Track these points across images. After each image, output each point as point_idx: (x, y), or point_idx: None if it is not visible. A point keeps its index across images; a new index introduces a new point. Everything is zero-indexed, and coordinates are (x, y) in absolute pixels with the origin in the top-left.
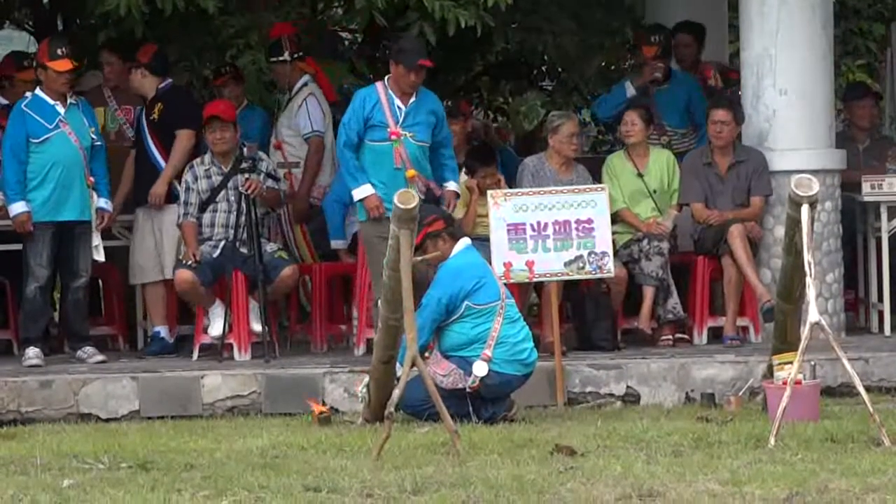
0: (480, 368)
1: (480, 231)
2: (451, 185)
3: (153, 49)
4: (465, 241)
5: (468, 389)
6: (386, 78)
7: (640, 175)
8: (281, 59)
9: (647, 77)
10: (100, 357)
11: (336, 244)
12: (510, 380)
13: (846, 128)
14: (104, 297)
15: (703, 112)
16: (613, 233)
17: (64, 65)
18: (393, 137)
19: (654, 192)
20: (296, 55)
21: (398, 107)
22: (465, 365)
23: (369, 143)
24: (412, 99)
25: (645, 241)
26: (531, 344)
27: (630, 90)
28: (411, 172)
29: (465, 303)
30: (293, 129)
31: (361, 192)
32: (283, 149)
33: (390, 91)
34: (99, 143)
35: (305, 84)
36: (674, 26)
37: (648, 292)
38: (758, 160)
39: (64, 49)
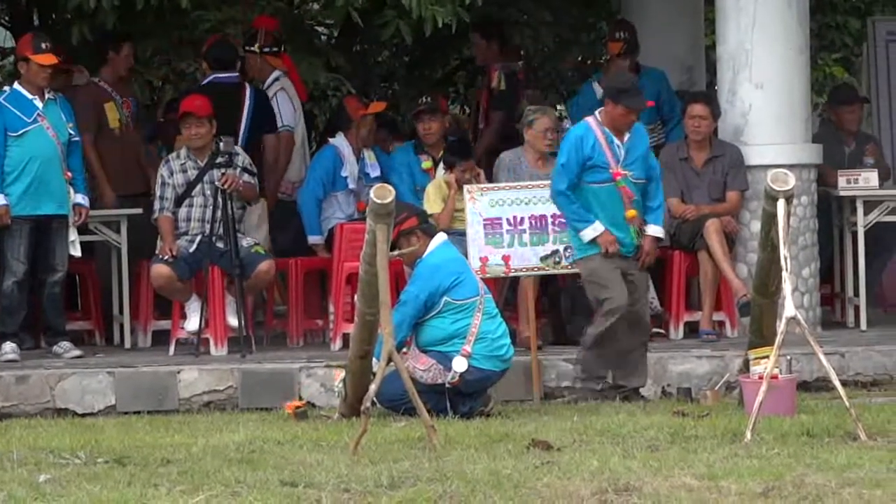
0: (460, 364)
1: (457, 226)
2: (650, 230)
3: (212, 41)
4: (441, 237)
5: (447, 385)
6: (597, 113)
7: None
8: (251, 49)
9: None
10: (76, 352)
11: (313, 240)
12: (489, 375)
13: (834, 130)
14: (81, 292)
15: (671, 107)
16: None
17: (48, 59)
18: (616, 178)
19: None
20: (266, 49)
21: (617, 145)
22: (445, 360)
23: (588, 185)
24: (627, 135)
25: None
26: (509, 339)
27: (598, 90)
28: (631, 213)
29: (444, 298)
30: None
31: (593, 230)
32: None
33: (606, 129)
34: (76, 138)
35: (277, 79)
36: (474, 27)
37: None
38: (734, 155)
39: (47, 43)
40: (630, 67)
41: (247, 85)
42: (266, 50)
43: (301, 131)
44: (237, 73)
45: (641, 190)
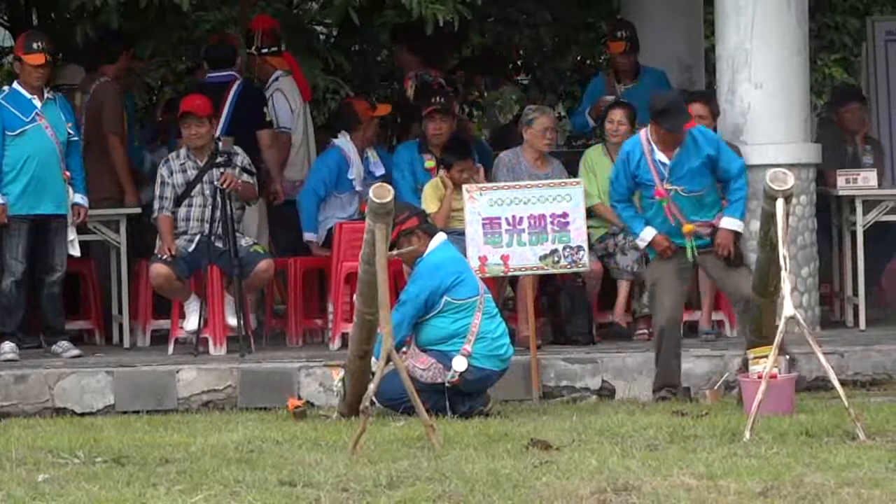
0: (460, 363)
1: (456, 225)
2: (724, 223)
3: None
4: (441, 237)
5: (447, 384)
6: (648, 128)
7: None
8: (249, 51)
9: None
10: (75, 351)
11: (308, 237)
12: (489, 374)
13: (836, 131)
14: (81, 291)
15: None
16: (589, 227)
17: (38, 59)
18: (657, 197)
19: None
20: (264, 49)
21: (661, 163)
22: (445, 359)
23: (643, 199)
24: (677, 150)
25: (620, 236)
26: (508, 339)
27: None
28: (688, 227)
29: (445, 298)
30: None
31: (645, 236)
32: None
33: (653, 145)
34: (75, 138)
35: (276, 80)
36: (391, 31)
37: (624, 286)
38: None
39: (39, 43)
40: (631, 67)
41: (236, 81)
42: (265, 51)
43: (302, 131)
44: (232, 72)
45: (702, 200)
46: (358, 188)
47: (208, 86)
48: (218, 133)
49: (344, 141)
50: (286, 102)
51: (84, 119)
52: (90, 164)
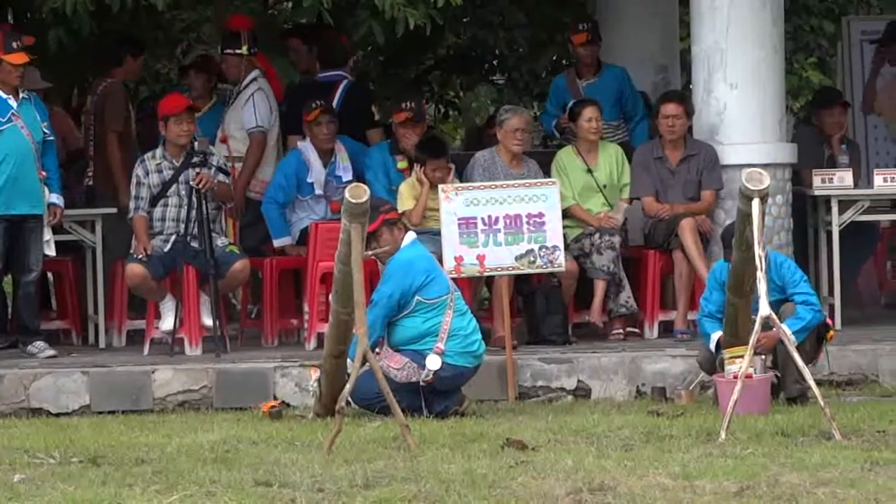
0: (434, 362)
1: (431, 225)
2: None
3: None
4: (411, 235)
5: (422, 383)
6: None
7: (589, 171)
8: (238, 51)
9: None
10: (51, 352)
11: (281, 242)
12: (463, 372)
13: (814, 132)
14: (58, 291)
15: (634, 105)
16: (565, 227)
17: (20, 58)
18: None
19: (604, 186)
20: (252, 50)
21: None
22: (419, 358)
23: None
24: None
25: (596, 235)
26: (480, 335)
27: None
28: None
29: (416, 297)
30: (238, 123)
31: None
32: (229, 143)
33: None
34: (50, 137)
35: (255, 79)
36: (283, 32)
37: (600, 286)
38: (709, 154)
39: (18, 42)
40: (593, 60)
41: (343, 81)
42: (252, 51)
43: (275, 133)
44: (341, 72)
45: None
46: (318, 192)
47: (318, 85)
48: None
49: (305, 144)
50: (267, 102)
51: (92, 120)
52: (99, 166)
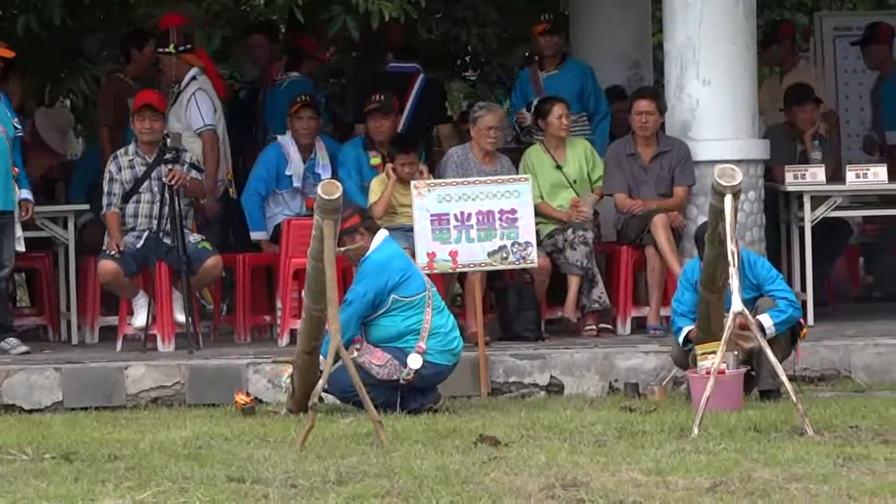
0: (415, 361)
1: (404, 221)
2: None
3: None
4: (383, 234)
5: (402, 381)
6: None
7: (558, 167)
8: (166, 50)
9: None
10: (23, 348)
11: (257, 236)
12: (442, 370)
13: (786, 128)
14: (34, 287)
15: (597, 101)
16: (538, 223)
17: (5, 52)
18: None
19: (574, 182)
20: (181, 48)
21: None
22: (401, 356)
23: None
24: None
25: (570, 231)
26: (458, 332)
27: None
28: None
29: (392, 296)
30: (182, 123)
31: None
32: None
33: None
34: (21, 134)
35: (194, 78)
36: (247, 27)
37: (573, 281)
38: (681, 150)
39: None
40: (555, 51)
41: (420, 75)
42: (181, 49)
43: (221, 130)
44: (416, 64)
45: None
46: (296, 185)
47: (390, 76)
48: (401, 126)
49: (285, 138)
50: (209, 100)
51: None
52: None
